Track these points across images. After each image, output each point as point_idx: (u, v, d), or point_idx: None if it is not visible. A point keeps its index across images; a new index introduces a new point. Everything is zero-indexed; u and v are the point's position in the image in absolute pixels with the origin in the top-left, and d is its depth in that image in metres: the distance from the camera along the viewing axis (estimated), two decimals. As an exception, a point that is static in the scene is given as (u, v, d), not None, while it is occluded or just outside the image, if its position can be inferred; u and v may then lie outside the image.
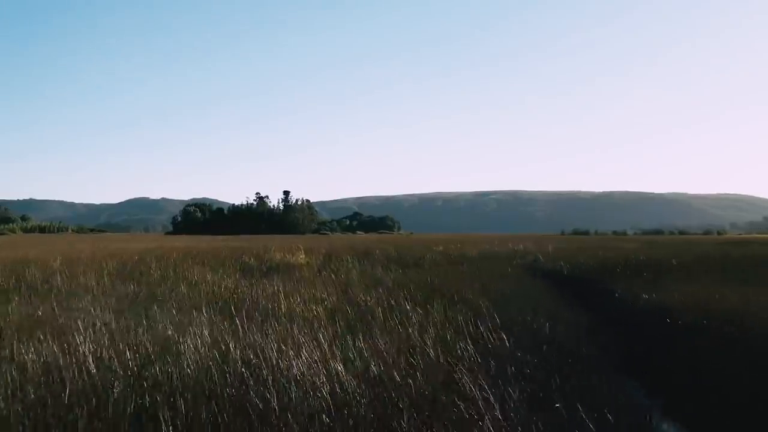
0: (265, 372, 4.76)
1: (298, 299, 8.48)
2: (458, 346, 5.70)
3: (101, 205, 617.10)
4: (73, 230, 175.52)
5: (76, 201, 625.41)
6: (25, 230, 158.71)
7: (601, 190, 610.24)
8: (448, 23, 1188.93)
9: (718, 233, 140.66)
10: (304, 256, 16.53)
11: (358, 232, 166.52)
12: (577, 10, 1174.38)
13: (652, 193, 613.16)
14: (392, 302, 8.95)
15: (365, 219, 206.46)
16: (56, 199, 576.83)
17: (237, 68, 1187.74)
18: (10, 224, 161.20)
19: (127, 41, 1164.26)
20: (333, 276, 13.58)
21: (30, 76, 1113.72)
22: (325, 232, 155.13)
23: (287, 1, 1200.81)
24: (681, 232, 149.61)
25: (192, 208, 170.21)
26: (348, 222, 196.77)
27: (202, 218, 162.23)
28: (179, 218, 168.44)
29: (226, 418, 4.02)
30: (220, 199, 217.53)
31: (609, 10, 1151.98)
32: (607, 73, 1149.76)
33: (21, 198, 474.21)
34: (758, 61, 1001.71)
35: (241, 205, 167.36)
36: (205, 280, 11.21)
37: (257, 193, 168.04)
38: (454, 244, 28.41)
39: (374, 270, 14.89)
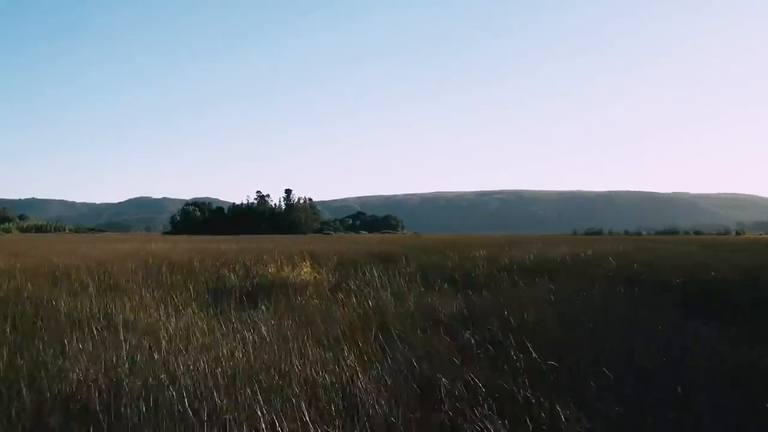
0: None
1: (301, 390, 3.66)
2: None
3: (102, 204, 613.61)
4: (71, 230, 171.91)
5: (78, 200, 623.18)
6: (22, 230, 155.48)
7: (603, 190, 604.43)
8: (450, 23, 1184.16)
9: (737, 233, 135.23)
10: (309, 269, 11.63)
11: (362, 231, 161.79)
12: (580, 10, 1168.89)
13: (655, 193, 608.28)
14: (497, 379, 4.20)
15: (368, 218, 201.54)
16: (58, 198, 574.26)
17: (239, 68, 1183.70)
18: (6, 224, 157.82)
19: (129, 41, 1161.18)
20: (354, 301, 8.82)
21: (32, 76, 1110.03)
22: (329, 231, 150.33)
23: (289, 1, 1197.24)
24: (696, 232, 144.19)
25: (191, 208, 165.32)
26: (351, 221, 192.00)
27: (201, 217, 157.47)
28: (178, 218, 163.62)
29: None
30: (222, 199, 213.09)
31: (611, 10, 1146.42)
32: (610, 73, 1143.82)
33: (22, 197, 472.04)
34: (758, 61, 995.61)
35: (242, 204, 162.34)
36: (137, 322, 6.43)
37: (258, 192, 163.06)
38: (488, 247, 23.58)
39: (412, 289, 10.12)
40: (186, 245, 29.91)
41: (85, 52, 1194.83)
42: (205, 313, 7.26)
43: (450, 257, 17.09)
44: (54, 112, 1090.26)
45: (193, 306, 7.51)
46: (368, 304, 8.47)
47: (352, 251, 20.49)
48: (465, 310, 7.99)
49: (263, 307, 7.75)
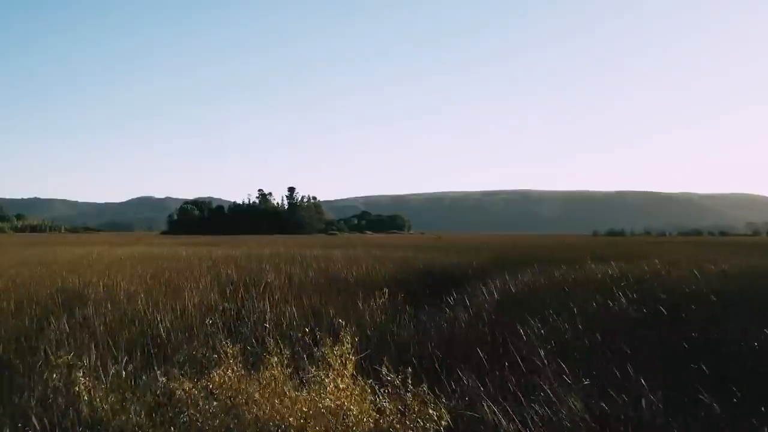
0: None
1: None
2: None
3: (105, 204, 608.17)
4: (66, 229, 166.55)
5: (80, 200, 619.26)
6: (17, 229, 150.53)
7: (609, 190, 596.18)
8: (454, 20, 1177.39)
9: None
10: (350, 377, 3.11)
11: (367, 232, 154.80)
12: (585, 8, 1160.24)
13: (662, 193, 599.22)
14: None
15: (374, 218, 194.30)
16: (61, 198, 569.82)
17: (243, 67, 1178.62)
18: (1, 223, 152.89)
19: (131, 41, 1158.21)
20: None
21: (34, 75, 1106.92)
22: (333, 232, 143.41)
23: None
24: (721, 233, 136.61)
25: (190, 206, 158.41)
26: (356, 221, 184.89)
27: (200, 216, 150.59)
28: (176, 217, 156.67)
29: None
30: (225, 198, 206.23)
31: (618, 8, 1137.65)
32: (616, 72, 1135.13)
33: (26, 197, 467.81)
34: (765, 61, 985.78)
35: (243, 202, 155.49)
36: None
37: (260, 190, 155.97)
38: (580, 253, 16.55)
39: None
40: (149, 249, 22.96)
41: (86, 53, 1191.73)
42: None
43: (560, 276, 10.12)
44: (56, 112, 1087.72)
45: None
46: None
47: (383, 261, 13.51)
48: None
49: None
